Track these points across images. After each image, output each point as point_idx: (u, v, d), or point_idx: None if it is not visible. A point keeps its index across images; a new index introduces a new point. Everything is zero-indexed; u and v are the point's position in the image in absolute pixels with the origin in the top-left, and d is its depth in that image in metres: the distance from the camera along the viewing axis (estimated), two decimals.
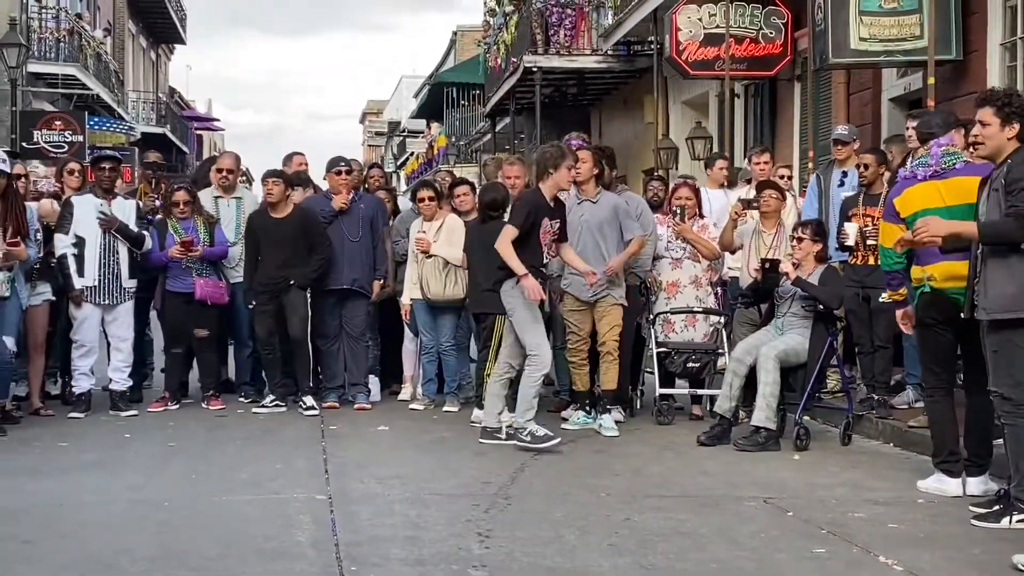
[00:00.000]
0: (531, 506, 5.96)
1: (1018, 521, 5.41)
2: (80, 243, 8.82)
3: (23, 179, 9.12)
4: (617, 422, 8.43)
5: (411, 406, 9.35)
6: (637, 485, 6.56)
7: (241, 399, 9.58)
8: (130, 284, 9.00)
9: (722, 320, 8.82)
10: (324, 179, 9.80)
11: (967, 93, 10.79)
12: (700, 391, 8.79)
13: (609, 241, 8.25)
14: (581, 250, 8.11)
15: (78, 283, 8.80)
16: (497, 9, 24.12)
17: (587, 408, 8.40)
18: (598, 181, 8.41)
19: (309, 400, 9.06)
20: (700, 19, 14.75)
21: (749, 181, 10.06)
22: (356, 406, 9.28)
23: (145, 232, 9.07)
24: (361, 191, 9.74)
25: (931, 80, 9.99)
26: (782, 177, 9.97)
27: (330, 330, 9.43)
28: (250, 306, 9.21)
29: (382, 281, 9.50)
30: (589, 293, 8.18)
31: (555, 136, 22.14)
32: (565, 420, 8.43)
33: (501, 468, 6.88)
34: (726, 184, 10.54)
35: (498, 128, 25.83)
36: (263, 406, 9.12)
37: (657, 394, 8.60)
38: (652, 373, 8.72)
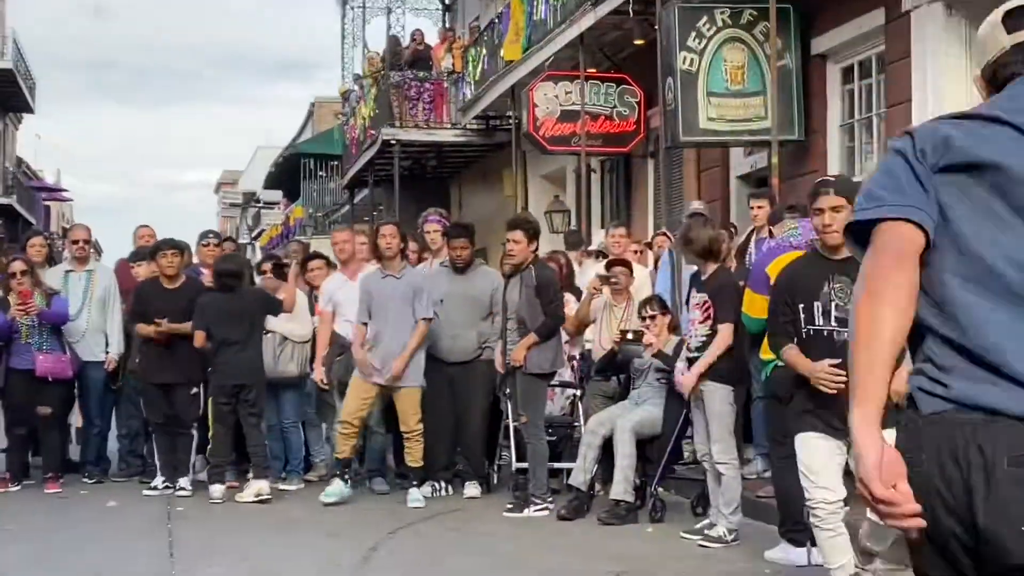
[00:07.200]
0: None
1: (537, 511, 7.70)
2: None
3: None
4: (473, 497, 8.38)
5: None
6: (492, 563, 6.52)
7: (85, 479, 9.24)
8: None
9: (577, 393, 8.87)
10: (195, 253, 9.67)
11: (809, 171, 11.23)
12: (557, 464, 8.79)
13: (409, 321, 8.19)
14: (383, 329, 8.14)
15: None
16: (353, 85, 24.17)
17: (344, 478, 8.31)
18: (403, 256, 8.41)
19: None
20: (556, 96, 15.03)
21: (599, 254, 10.20)
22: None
23: None
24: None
25: (775, 159, 10.37)
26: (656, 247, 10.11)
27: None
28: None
29: None
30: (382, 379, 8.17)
31: (414, 208, 22.20)
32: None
33: (354, 548, 6.76)
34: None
35: (356, 200, 25.75)
36: (153, 487, 8.73)
37: (514, 468, 8.57)
38: (508, 447, 8.70)
